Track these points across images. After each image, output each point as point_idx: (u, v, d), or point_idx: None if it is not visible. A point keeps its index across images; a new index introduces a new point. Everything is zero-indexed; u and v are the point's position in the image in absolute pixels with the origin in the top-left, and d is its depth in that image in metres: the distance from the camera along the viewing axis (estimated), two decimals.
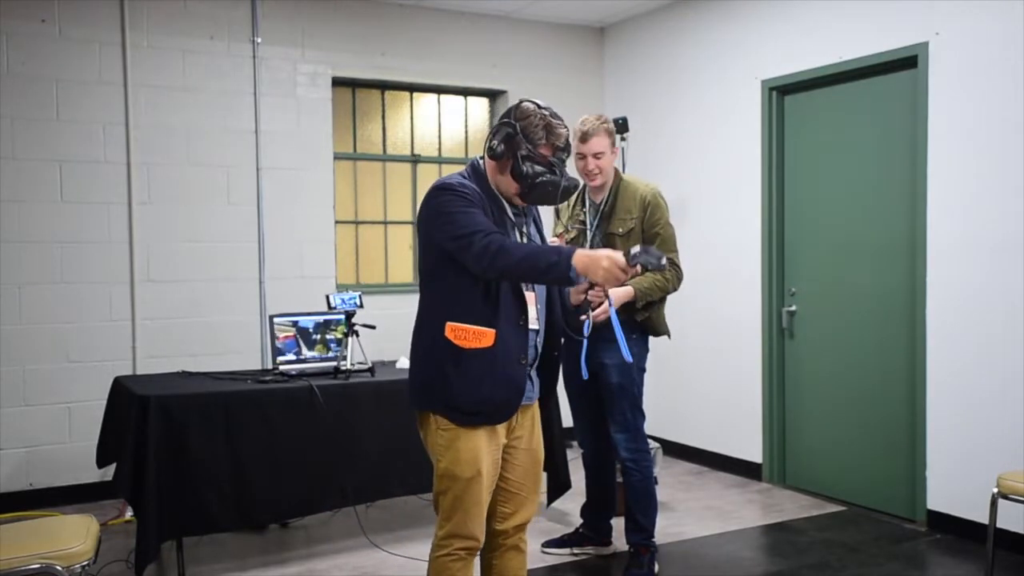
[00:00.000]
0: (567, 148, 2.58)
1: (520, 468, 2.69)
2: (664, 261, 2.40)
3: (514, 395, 2.56)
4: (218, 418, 3.71)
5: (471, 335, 2.48)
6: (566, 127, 2.58)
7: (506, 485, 2.68)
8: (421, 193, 6.01)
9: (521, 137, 2.51)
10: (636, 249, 2.39)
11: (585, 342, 2.75)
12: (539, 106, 2.56)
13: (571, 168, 2.86)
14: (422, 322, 2.61)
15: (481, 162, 2.63)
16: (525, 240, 2.64)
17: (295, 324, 4.25)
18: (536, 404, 2.76)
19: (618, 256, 2.32)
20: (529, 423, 2.71)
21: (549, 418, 3.14)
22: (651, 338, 3.88)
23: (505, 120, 2.56)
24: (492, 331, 2.49)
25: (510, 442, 2.66)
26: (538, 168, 2.51)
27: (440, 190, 2.52)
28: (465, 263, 2.45)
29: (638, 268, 2.40)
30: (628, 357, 2.70)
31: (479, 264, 2.41)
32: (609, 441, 3.93)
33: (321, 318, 4.31)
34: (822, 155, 5.00)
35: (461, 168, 2.70)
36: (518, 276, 2.47)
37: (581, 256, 2.33)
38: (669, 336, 3.90)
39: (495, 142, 2.54)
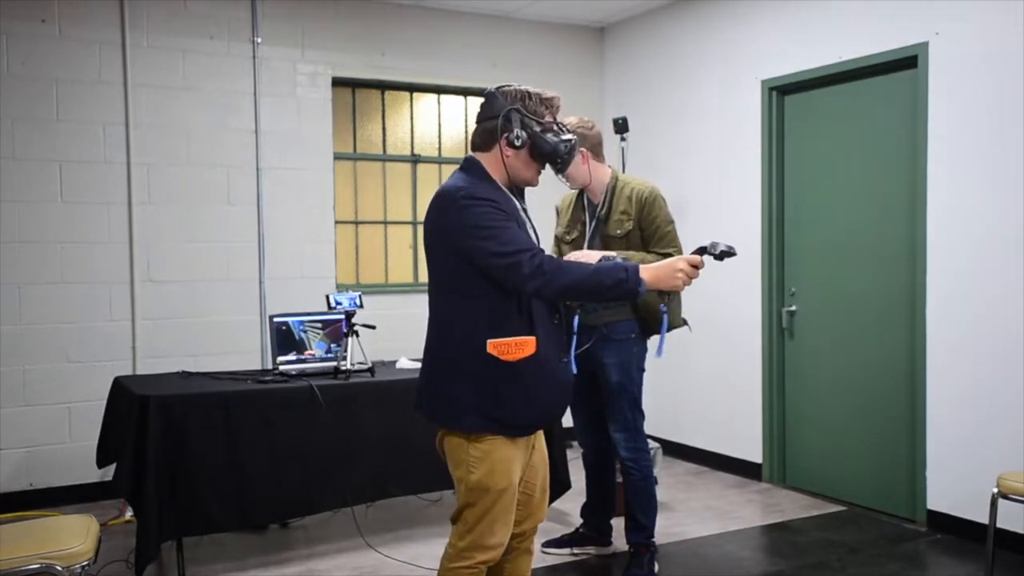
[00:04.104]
0: (559, 107, 2.59)
1: (532, 469, 2.65)
2: (732, 247, 2.48)
3: (564, 395, 2.55)
4: (218, 418, 3.71)
5: (514, 347, 2.43)
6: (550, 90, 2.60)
7: (523, 488, 2.63)
8: (421, 193, 6.06)
9: (529, 117, 2.51)
10: (707, 243, 2.50)
11: (575, 338, 2.71)
12: (516, 86, 2.56)
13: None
14: (450, 340, 2.48)
15: (481, 161, 2.52)
16: (534, 231, 2.58)
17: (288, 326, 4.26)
18: None
19: (691, 257, 2.40)
20: None
21: None
22: (654, 337, 3.87)
23: (509, 110, 2.47)
24: (532, 338, 2.44)
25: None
26: (558, 135, 2.51)
27: (469, 199, 2.39)
28: (505, 280, 2.37)
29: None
30: (661, 353, 2.64)
31: (531, 283, 2.34)
32: (609, 441, 3.93)
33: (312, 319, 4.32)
34: (822, 155, 5.00)
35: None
36: (578, 295, 2.45)
37: (650, 269, 2.39)
38: (688, 327, 3.83)
39: (515, 133, 2.46)
